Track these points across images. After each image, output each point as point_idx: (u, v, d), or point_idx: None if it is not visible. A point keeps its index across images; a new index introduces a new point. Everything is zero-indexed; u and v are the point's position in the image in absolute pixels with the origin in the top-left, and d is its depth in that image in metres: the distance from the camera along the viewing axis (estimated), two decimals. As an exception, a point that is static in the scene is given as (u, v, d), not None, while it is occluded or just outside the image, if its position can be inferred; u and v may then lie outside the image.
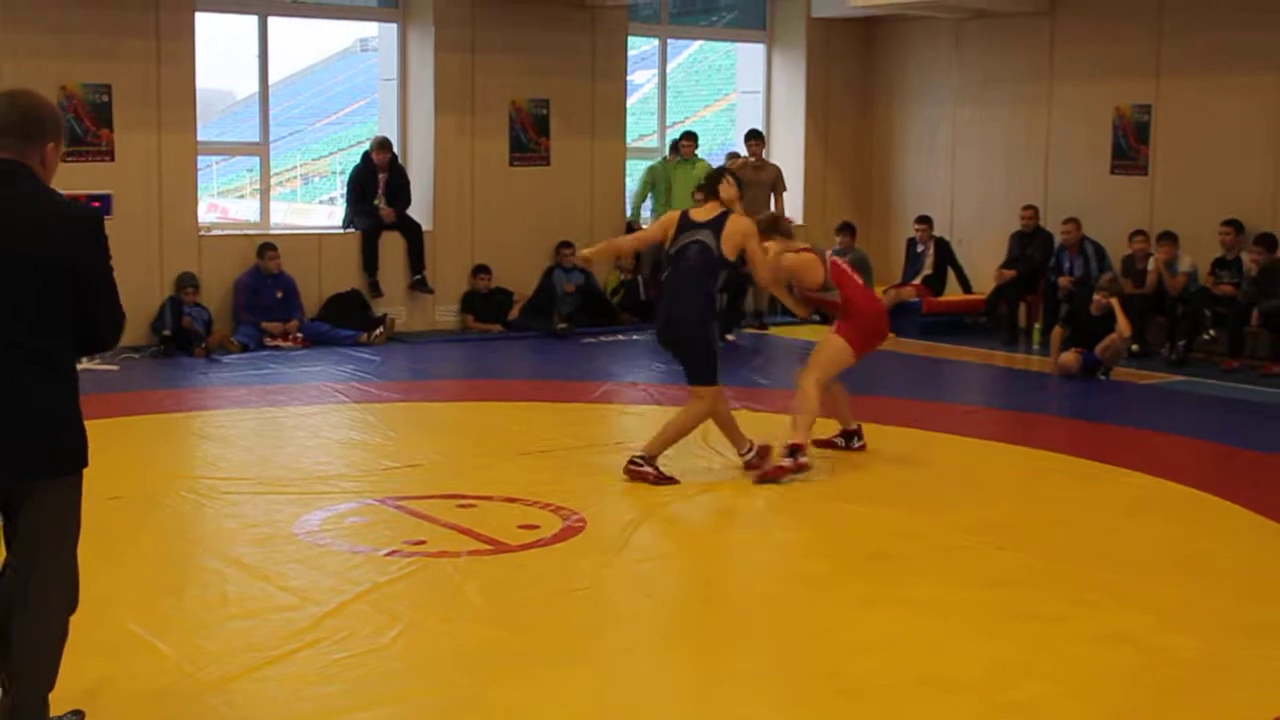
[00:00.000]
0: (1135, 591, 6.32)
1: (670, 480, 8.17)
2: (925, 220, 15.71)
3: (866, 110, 17.39)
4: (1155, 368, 12.75)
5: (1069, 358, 12.24)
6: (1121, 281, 13.06)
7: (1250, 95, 13.55)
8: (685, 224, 8.25)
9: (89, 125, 12.98)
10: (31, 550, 4.28)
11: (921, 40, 16.72)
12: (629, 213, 15.93)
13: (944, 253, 15.64)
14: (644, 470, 8.20)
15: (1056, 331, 12.62)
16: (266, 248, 13.65)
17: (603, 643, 5.66)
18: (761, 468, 8.33)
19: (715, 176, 8.39)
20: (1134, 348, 12.91)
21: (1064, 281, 14.05)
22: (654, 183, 15.60)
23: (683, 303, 8.18)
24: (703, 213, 8.29)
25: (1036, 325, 14.47)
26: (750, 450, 8.46)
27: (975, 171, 16.23)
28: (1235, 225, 13.20)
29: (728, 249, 8.10)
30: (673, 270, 8.28)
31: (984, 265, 15.36)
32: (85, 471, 4.38)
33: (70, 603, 4.41)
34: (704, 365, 8.22)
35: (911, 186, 16.98)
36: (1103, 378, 12.17)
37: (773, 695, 5.14)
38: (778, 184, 15.36)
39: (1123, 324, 12.08)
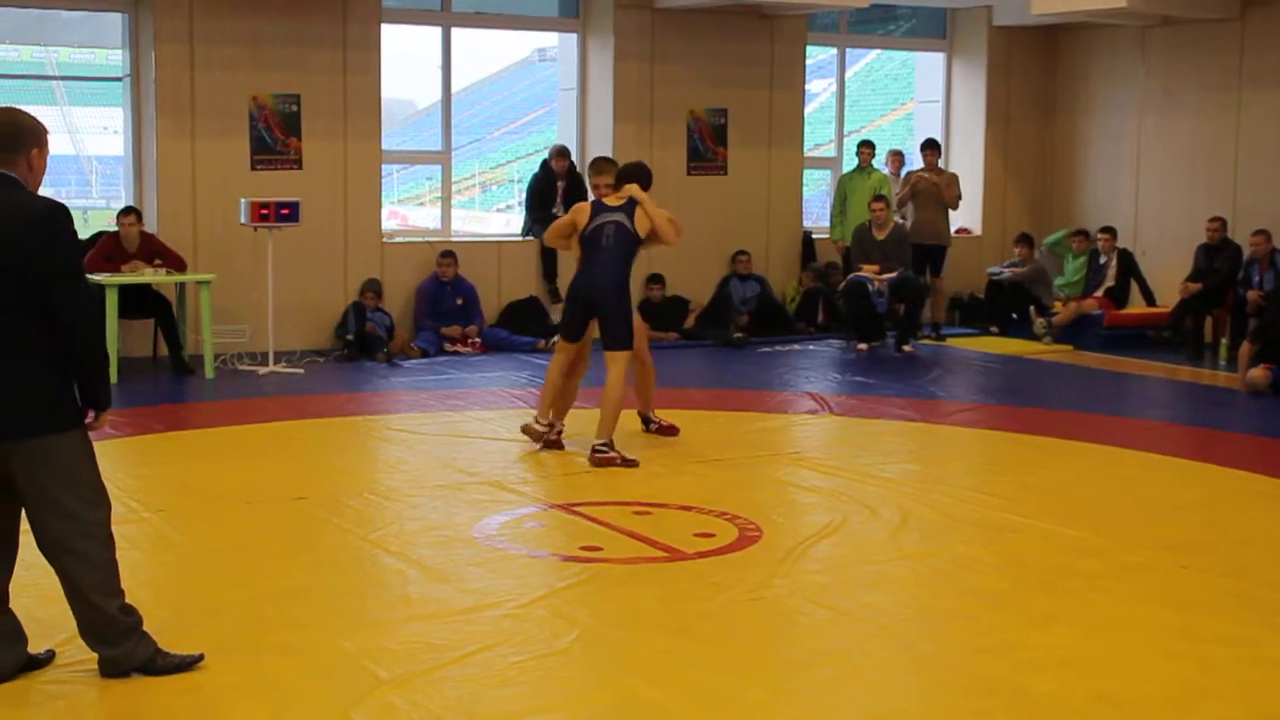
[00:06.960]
0: (1328, 616, 6.13)
1: (633, 462, 8.81)
2: (1109, 231, 15.44)
3: (1048, 120, 17.13)
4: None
5: (1258, 374, 11.92)
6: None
7: None
8: (599, 209, 9.24)
9: (278, 135, 13.32)
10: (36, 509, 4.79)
11: (1105, 48, 16.43)
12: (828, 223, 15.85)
13: (1127, 264, 15.36)
14: (610, 455, 8.81)
15: (1245, 347, 12.29)
16: (443, 255, 13.87)
17: (780, 654, 5.66)
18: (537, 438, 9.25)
19: (626, 175, 9.35)
20: (1326, 364, 12.55)
21: (1253, 295, 13.69)
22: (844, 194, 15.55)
23: (608, 274, 9.11)
24: (614, 200, 9.24)
25: (1223, 340, 14.11)
26: (552, 427, 9.31)
27: (1160, 182, 15.89)
28: None
29: (640, 228, 9.13)
30: (592, 248, 9.14)
31: (1168, 278, 15.04)
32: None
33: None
34: (624, 329, 9.18)
35: (1093, 197, 16.68)
36: (1293, 395, 11.85)
37: (947, 712, 5.10)
38: (948, 190, 15.19)
39: (1314, 339, 11.75)
